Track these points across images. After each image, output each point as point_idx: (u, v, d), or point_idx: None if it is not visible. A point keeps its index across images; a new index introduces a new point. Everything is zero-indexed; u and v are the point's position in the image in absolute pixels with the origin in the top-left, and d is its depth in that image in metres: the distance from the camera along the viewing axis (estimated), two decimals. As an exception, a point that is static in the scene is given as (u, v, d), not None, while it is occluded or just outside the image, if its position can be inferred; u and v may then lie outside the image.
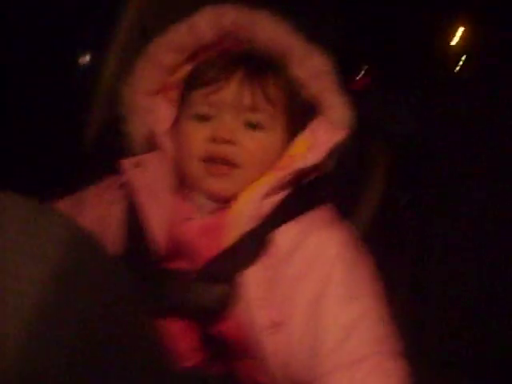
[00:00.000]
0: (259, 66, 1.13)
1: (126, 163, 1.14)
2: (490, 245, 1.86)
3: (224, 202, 1.09)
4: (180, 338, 1.02)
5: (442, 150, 1.94)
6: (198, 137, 1.09)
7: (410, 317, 1.74)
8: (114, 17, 1.67)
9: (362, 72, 2.22)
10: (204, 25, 1.16)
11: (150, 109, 1.18)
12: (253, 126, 1.10)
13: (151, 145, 1.18)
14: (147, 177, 1.12)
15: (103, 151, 1.45)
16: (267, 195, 1.07)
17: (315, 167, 1.12)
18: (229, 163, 1.07)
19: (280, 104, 1.12)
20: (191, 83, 1.15)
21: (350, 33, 1.53)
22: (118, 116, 1.20)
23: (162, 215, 1.08)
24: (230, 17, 1.16)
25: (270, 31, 1.15)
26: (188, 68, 1.19)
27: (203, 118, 1.10)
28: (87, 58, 1.73)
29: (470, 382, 1.73)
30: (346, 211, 1.24)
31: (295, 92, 1.15)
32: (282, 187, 1.09)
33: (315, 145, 1.11)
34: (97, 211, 1.16)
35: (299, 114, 1.15)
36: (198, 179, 1.09)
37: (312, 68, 1.15)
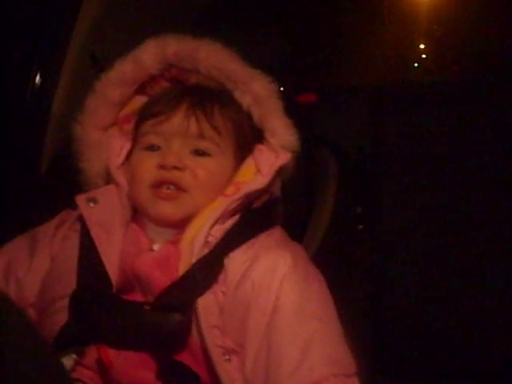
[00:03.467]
0: (204, 96, 1.16)
1: (81, 198, 1.16)
2: (441, 255, 1.89)
3: (173, 226, 1.11)
4: (139, 369, 1.03)
5: (392, 162, 1.96)
6: (148, 165, 1.12)
7: (368, 332, 1.76)
8: (64, 39, 1.67)
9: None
10: (147, 57, 1.19)
11: (104, 143, 1.20)
12: (200, 153, 1.13)
13: (106, 179, 1.20)
14: (101, 211, 1.14)
15: (58, 185, 1.45)
16: (217, 222, 1.09)
17: (262, 191, 1.15)
18: (177, 187, 1.10)
19: (226, 132, 1.15)
20: (142, 116, 1.18)
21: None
22: (72, 151, 1.21)
23: (115, 249, 1.10)
24: (173, 47, 1.19)
25: (212, 59, 1.18)
26: (140, 100, 1.22)
27: (153, 148, 1.14)
28: (38, 81, 1.71)
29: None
30: (296, 231, 1.26)
31: (242, 119, 1.18)
32: (231, 213, 1.11)
33: (260, 170, 1.14)
34: (52, 248, 1.17)
35: (248, 140, 1.18)
36: (147, 205, 1.12)
37: (254, 93, 1.17)
